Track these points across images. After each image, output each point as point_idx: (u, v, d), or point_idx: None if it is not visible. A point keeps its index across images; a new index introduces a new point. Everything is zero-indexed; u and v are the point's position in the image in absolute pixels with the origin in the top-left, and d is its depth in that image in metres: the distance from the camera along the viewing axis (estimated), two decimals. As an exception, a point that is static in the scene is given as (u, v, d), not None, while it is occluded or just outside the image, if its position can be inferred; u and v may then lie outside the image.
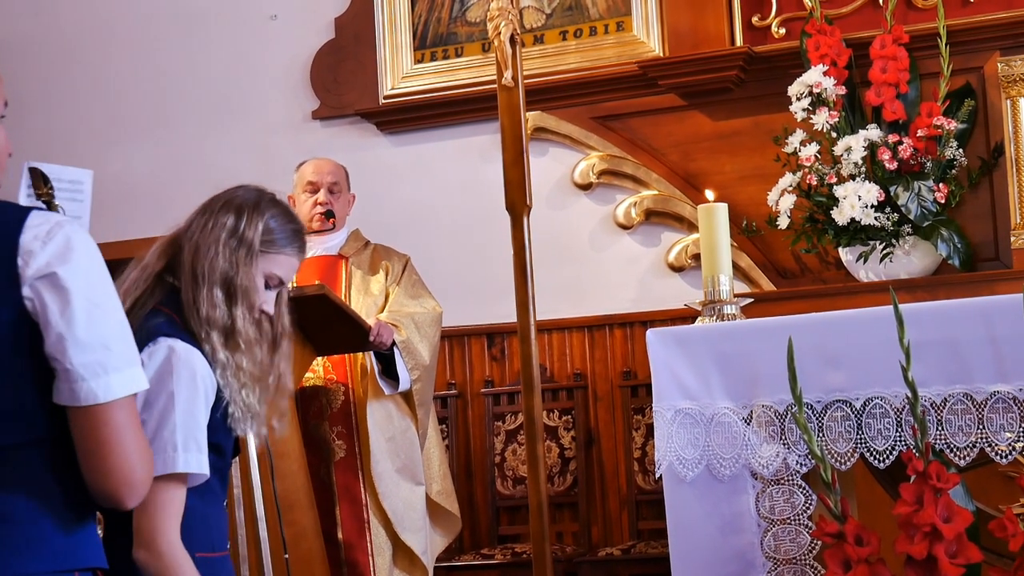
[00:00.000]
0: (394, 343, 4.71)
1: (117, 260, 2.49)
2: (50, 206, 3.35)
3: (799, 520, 3.34)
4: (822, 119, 5.30)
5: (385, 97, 6.22)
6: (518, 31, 4.50)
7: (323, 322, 4.53)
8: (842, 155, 5.25)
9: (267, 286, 2.68)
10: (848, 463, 3.26)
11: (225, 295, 2.59)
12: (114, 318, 2.02)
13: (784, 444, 3.33)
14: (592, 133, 5.96)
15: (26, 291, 1.95)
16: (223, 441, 2.60)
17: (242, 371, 2.57)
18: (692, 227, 5.73)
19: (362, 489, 4.81)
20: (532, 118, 5.82)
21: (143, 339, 2.47)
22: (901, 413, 3.22)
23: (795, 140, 5.37)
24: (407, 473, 4.85)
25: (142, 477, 2.05)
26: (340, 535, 4.80)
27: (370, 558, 4.79)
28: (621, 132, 5.92)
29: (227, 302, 2.59)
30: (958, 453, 3.17)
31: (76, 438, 1.99)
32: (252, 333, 2.62)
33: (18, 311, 1.94)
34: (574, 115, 5.98)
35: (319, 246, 5.04)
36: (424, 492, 4.92)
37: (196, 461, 2.45)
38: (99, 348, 1.97)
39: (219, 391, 2.55)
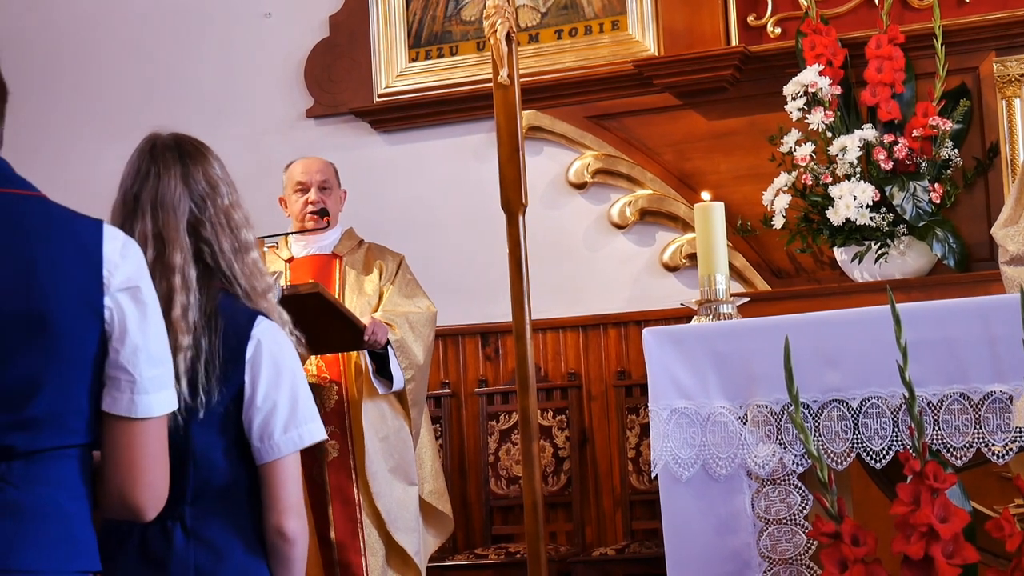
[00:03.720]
0: (388, 342, 4.70)
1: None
2: None
3: (795, 520, 3.33)
4: (817, 119, 5.29)
5: (379, 96, 6.21)
6: (514, 29, 4.49)
7: (317, 321, 4.50)
8: (837, 155, 5.25)
9: None
10: (844, 463, 3.25)
11: (258, 255, 2.58)
12: (166, 335, 2.11)
13: (780, 444, 3.32)
14: (587, 132, 5.95)
15: (107, 301, 2.01)
16: None
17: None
18: (687, 227, 5.72)
19: (355, 489, 4.80)
20: (527, 117, 5.80)
21: (243, 324, 2.48)
22: (898, 413, 3.21)
23: (790, 140, 5.37)
24: (400, 473, 4.84)
25: (166, 491, 2.11)
26: (333, 535, 4.79)
27: (363, 558, 4.78)
28: (616, 131, 5.92)
29: (261, 262, 2.59)
30: (955, 453, 3.16)
31: (116, 448, 2.04)
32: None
33: (101, 321, 2.01)
34: (569, 114, 5.97)
35: (313, 245, 5.03)
36: (417, 492, 4.91)
37: (321, 428, 2.51)
38: (160, 364, 2.06)
39: None
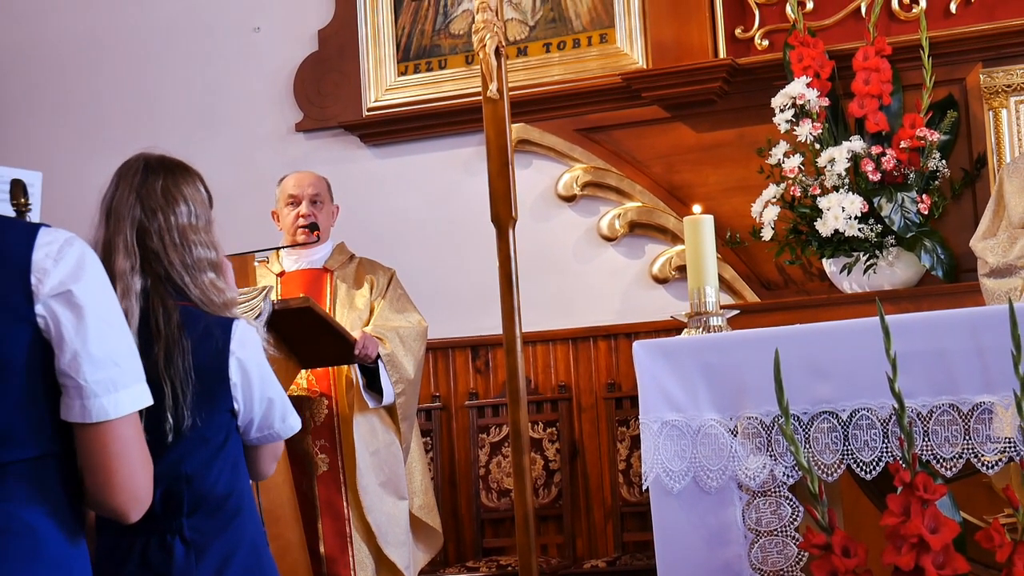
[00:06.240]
0: (379, 356, 4.70)
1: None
2: (20, 215, 3.37)
3: (786, 532, 3.33)
4: (805, 131, 5.31)
5: (369, 109, 6.22)
6: (503, 42, 4.50)
7: (308, 335, 4.51)
8: (825, 167, 5.26)
9: None
10: (835, 474, 3.26)
11: (217, 275, 2.65)
12: (122, 334, 2.04)
13: (771, 456, 3.32)
14: (576, 145, 5.96)
15: (39, 309, 1.96)
16: None
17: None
18: (676, 239, 5.73)
19: (345, 503, 4.79)
20: (516, 130, 5.81)
21: (218, 345, 2.56)
22: (887, 424, 3.22)
23: (778, 152, 5.38)
24: (391, 487, 4.84)
25: (147, 491, 2.06)
26: (322, 549, 4.78)
27: (352, 572, 4.77)
28: (605, 144, 5.93)
29: (223, 280, 2.67)
30: (944, 464, 3.17)
31: (84, 454, 2.00)
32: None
33: (33, 329, 1.95)
34: (558, 127, 5.98)
35: (304, 259, 5.03)
36: (407, 507, 4.90)
37: (297, 419, 2.74)
38: (110, 365, 1.99)
39: None
